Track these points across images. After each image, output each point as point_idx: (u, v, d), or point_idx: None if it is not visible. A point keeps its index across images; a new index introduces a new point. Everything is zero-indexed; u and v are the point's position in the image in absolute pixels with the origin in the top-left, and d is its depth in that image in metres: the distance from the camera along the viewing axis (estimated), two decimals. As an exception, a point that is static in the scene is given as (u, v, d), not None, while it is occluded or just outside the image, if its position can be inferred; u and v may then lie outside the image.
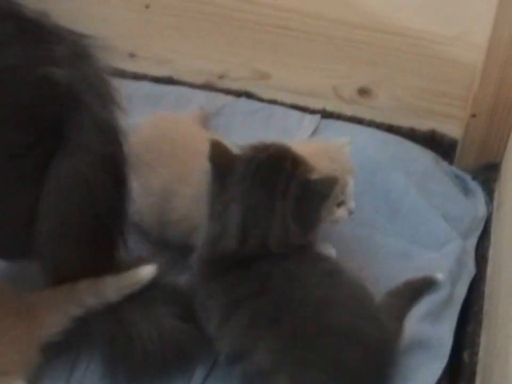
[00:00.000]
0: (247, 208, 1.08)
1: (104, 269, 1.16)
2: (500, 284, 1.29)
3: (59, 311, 1.14)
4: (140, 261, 1.21)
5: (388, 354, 1.12)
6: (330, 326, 1.07)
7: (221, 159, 1.10)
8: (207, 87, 1.71)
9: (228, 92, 1.69)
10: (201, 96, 1.68)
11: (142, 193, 1.27)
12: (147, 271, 1.16)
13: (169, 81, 1.72)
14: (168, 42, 1.71)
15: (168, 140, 1.33)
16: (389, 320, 1.15)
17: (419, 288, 1.27)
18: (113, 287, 1.15)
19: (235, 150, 1.11)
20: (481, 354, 1.27)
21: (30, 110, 1.06)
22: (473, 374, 1.24)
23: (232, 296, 1.10)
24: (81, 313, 1.15)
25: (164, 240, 1.31)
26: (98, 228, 1.13)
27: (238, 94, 1.69)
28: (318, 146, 1.28)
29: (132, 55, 1.73)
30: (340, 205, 1.26)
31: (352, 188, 1.27)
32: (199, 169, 1.17)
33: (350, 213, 1.27)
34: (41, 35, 1.07)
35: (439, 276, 1.28)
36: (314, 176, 1.11)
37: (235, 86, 1.71)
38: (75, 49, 1.08)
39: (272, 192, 1.08)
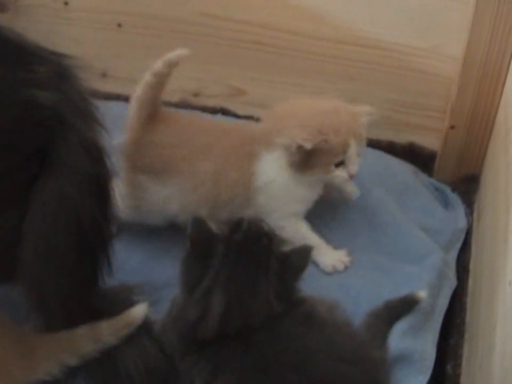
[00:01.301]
0: (230, 295, 1.06)
1: (88, 293, 1.14)
2: (481, 295, 1.28)
3: (55, 360, 1.12)
4: (122, 289, 1.21)
5: None
6: (314, 375, 1.05)
7: (201, 239, 1.08)
8: (183, 105, 1.69)
9: (203, 109, 1.68)
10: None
11: (185, 191, 1.29)
12: (139, 311, 1.15)
13: (144, 100, 1.70)
14: (140, 62, 1.68)
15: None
16: (372, 349, 1.13)
17: (400, 308, 1.25)
18: (109, 331, 1.14)
19: (215, 228, 1.09)
20: (464, 365, 1.26)
21: (13, 134, 1.03)
22: (457, 386, 1.23)
23: (215, 361, 1.07)
24: (76, 363, 1.13)
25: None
26: (83, 249, 1.11)
27: (214, 111, 1.68)
28: (330, 104, 1.30)
29: (104, 75, 1.72)
30: (339, 165, 1.27)
31: (355, 153, 1.28)
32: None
33: (351, 175, 1.29)
34: (22, 56, 1.05)
35: (421, 294, 1.26)
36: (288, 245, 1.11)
37: (210, 103, 1.70)
38: (57, 70, 1.06)
39: (255, 275, 1.06)
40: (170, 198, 1.31)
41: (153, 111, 1.34)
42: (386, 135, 1.63)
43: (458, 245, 1.44)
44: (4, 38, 1.06)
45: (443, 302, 1.31)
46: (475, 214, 1.50)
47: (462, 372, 1.25)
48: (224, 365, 1.06)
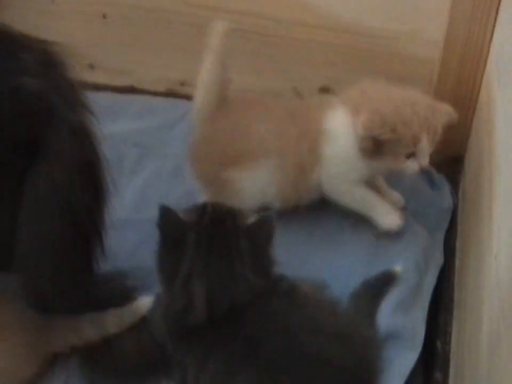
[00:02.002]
0: (210, 280, 1.08)
1: (84, 280, 1.17)
2: (467, 274, 1.31)
3: (61, 339, 1.17)
4: (116, 275, 1.24)
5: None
6: (300, 353, 1.07)
7: (171, 228, 1.09)
8: (170, 94, 1.72)
9: (190, 98, 1.69)
10: (164, 104, 1.69)
11: (278, 170, 1.33)
12: (145, 302, 1.18)
13: (131, 90, 1.72)
14: (127, 53, 1.71)
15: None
16: (359, 328, 1.16)
17: (379, 285, 1.28)
18: (115, 322, 1.17)
19: (184, 217, 1.10)
20: (453, 342, 1.29)
21: (3, 124, 1.05)
22: (446, 362, 1.26)
23: (206, 346, 1.09)
24: (80, 344, 1.17)
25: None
26: (77, 236, 1.13)
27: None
28: (409, 95, 1.31)
29: (91, 66, 1.73)
30: (410, 156, 1.29)
31: (427, 147, 1.30)
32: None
33: (421, 168, 1.32)
34: (9, 45, 1.07)
35: (397, 269, 1.29)
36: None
37: (197, 91, 1.71)
38: (44, 58, 1.08)
39: (228, 255, 1.09)
40: (264, 182, 1.34)
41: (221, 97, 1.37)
42: None
43: (445, 225, 1.47)
44: None
45: (430, 280, 1.35)
46: (460, 194, 1.53)
47: (452, 349, 1.28)
48: (215, 348, 1.09)
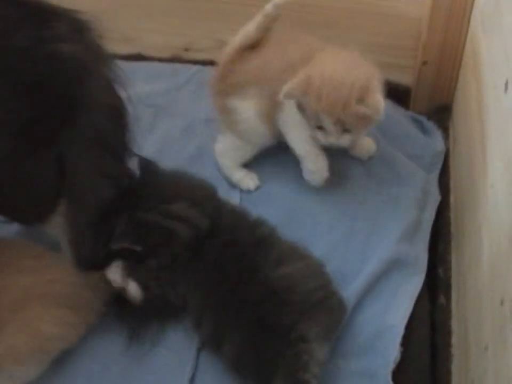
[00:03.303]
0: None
1: None
2: (463, 210, 1.44)
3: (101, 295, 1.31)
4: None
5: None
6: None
7: None
8: (174, 59, 1.83)
9: (194, 62, 1.81)
10: (170, 69, 1.80)
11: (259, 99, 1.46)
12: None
13: (138, 58, 1.82)
14: (133, 21, 1.81)
15: None
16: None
17: None
18: None
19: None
20: (453, 269, 1.42)
21: (44, 85, 1.17)
22: (448, 286, 1.40)
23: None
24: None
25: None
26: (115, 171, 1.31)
27: (204, 63, 1.79)
28: (348, 73, 1.38)
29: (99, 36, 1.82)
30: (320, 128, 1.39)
31: (331, 128, 1.38)
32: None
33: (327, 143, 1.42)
34: (42, 15, 1.18)
35: None
36: None
37: (200, 56, 1.82)
38: (73, 24, 1.20)
39: None
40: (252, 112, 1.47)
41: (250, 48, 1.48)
42: None
43: (439, 166, 1.60)
44: (23, 1, 1.19)
45: (430, 215, 1.49)
46: (451, 139, 1.66)
47: (452, 274, 1.42)
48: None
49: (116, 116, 1.27)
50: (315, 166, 1.47)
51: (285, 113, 1.45)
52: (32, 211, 1.30)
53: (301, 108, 1.40)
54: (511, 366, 0.97)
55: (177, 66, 1.80)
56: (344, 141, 1.40)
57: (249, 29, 1.47)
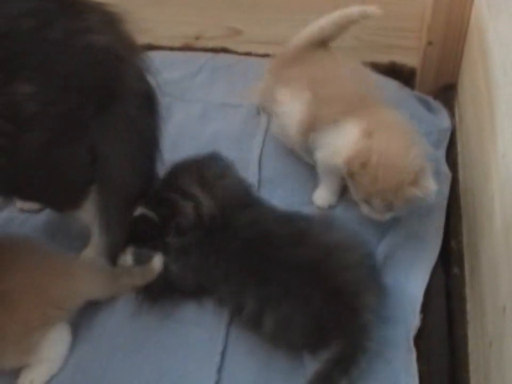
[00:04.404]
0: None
1: None
2: (472, 183, 1.50)
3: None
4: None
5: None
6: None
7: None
8: (186, 48, 1.88)
9: (205, 50, 1.86)
10: (182, 57, 1.85)
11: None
12: (157, 263, 1.36)
13: (148, 48, 1.87)
14: (144, 13, 1.85)
15: None
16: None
17: None
18: (140, 275, 1.36)
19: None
20: (464, 241, 1.48)
21: (79, 75, 1.22)
22: (461, 257, 1.46)
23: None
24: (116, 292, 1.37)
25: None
26: (148, 157, 1.38)
27: (215, 51, 1.86)
28: (403, 147, 1.37)
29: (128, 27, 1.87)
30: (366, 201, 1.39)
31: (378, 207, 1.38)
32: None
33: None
34: (75, 8, 1.23)
35: None
36: None
37: (211, 44, 1.88)
38: (104, 17, 1.26)
39: None
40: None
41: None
42: (370, 57, 1.78)
43: (445, 143, 1.66)
44: None
45: (444, 191, 1.53)
46: (457, 116, 1.72)
47: (464, 246, 1.48)
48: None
49: (149, 105, 1.33)
50: (328, 190, 1.50)
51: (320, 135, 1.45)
52: (66, 198, 1.35)
53: (350, 177, 1.38)
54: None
55: (189, 54, 1.86)
56: (387, 217, 1.39)
57: (322, 24, 1.50)
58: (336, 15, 1.49)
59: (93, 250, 1.42)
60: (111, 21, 1.27)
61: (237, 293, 1.30)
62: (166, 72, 1.76)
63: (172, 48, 1.88)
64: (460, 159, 1.63)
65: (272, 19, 1.83)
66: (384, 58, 1.84)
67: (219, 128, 1.67)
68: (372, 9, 1.48)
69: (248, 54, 1.85)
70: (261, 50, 1.84)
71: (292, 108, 1.50)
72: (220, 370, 1.29)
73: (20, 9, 1.17)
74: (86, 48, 1.22)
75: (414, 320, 1.32)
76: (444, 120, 1.70)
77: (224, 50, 1.87)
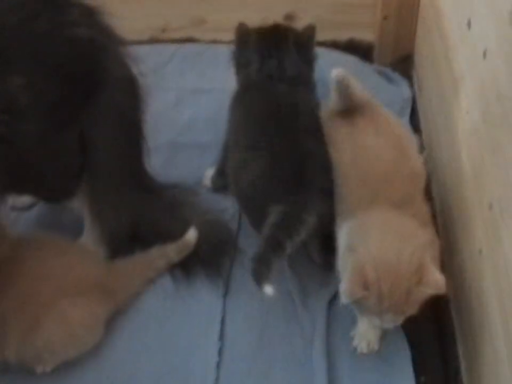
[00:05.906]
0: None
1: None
2: (438, 143, 1.60)
3: (141, 277, 1.45)
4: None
5: None
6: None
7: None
8: (153, 41, 1.94)
9: (172, 41, 1.93)
10: (149, 50, 1.91)
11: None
12: (192, 235, 1.45)
13: (116, 43, 1.94)
14: (110, 8, 1.91)
15: None
16: None
17: None
18: (175, 251, 1.45)
19: None
20: (433, 190, 1.58)
21: (65, 66, 1.30)
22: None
23: None
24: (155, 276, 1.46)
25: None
26: (135, 139, 1.46)
27: (182, 41, 1.93)
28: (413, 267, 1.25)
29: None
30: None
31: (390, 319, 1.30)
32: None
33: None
34: (57, 3, 1.31)
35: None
36: None
37: (177, 35, 1.94)
38: (83, 10, 1.33)
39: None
40: None
41: None
42: (329, 36, 1.88)
43: (408, 111, 1.78)
44: None
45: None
46: (416, 86, 1.83)
47: (433, 192, 1.57)
48: None
49: (131, 89, 1.41)
50: (370, 332, 1.39)
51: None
52: (58, 187, 1.43)
53: (358, 303, 1.28)
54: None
55: (158, 46, 1.93)
56: (399, 321, 1.31)
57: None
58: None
59: (88, 240, 1.49)
60: (91, 14, 1.35)
61: None
62: (137, 65, 1.86)
63: (139, 42, 1.94)
64: (422, 124, 1.74)
65: (235, 5, 1.89)
66: (343, 35, 1.93)
67: (195, 113, 1.74)
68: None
69: (214, 41, 1.92)
70: (227, 37, 1.89)
71: None
72: (221, 337, 1.39)
73: (5, 4, 1.26)
74: (71, 40, 1.30)
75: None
76: (404, 89, 1.81)
77: (190, 40, 1.93)
